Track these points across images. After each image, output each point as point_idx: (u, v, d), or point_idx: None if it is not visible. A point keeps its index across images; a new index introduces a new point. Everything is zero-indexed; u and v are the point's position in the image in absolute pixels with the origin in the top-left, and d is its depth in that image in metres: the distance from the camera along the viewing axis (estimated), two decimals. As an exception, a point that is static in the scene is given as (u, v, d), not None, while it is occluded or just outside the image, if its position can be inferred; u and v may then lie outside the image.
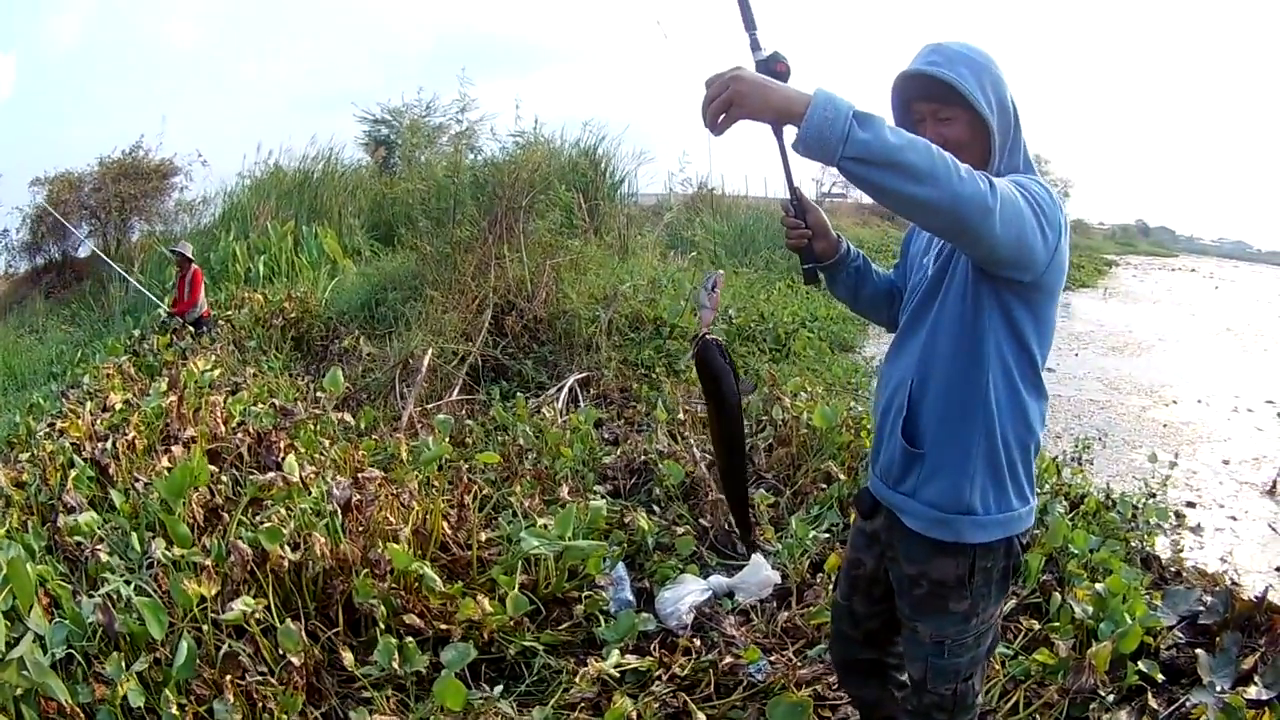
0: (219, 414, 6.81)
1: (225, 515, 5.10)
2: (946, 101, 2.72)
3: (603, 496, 6.38)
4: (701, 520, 6.22)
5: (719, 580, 5.44)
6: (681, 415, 8.10)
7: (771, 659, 4.61)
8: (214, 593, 4.09)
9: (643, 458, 7.18)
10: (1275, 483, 9.39)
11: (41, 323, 19.67)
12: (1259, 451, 10.81)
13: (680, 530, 5.99)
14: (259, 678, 3.84)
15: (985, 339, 2.74)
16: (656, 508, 6.52)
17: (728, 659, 4.47)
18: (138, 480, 5.59)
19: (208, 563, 4.28)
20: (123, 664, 3.66)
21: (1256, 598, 4.93)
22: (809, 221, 3.24)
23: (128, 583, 4.38)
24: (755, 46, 2.73)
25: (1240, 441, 11.25)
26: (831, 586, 4.98)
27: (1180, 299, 32.84)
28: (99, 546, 4.73)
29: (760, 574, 5.41)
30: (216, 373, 8.73)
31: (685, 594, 5.14)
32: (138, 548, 4.80)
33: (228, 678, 3.74)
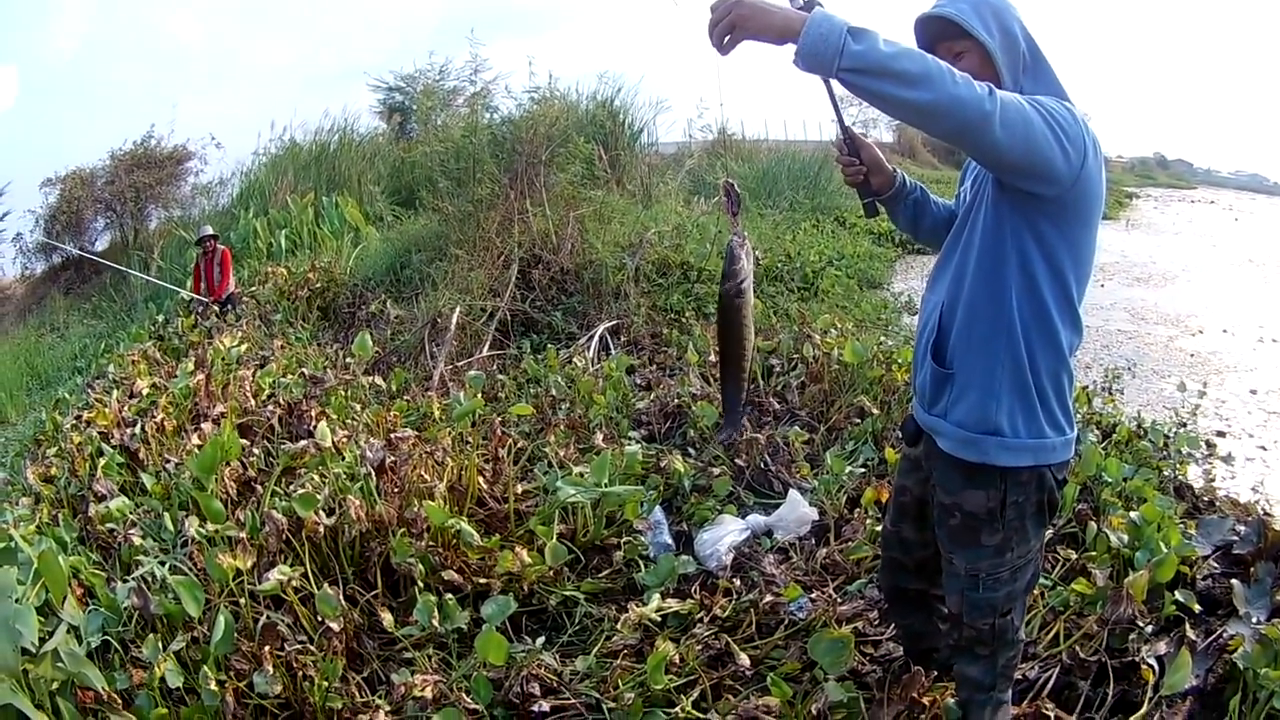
0: (248, 388, 6.83)
1: (258, 487, 5.13)
2: (956, 37, 2.82)
3: (637, 442, 6.42)
4: (737, 460, 6.19)
5: (757, 519, 5.43)
6: (713, 357, 8.01)
7: (812, 596, 4.62)
8: (250, 565, 4.10)
9: (675, 401, 7.19)
10: None
11: (63, 319, 19.75)
12: None
13: (716, 471, 5.97)
14: (298, 646, 3.84)
15: (1008, 259, 2.80)
16: (692, 450, 6.55)
17: (768, 598, 4.48)
18: (168, 461, 5.58)
19: (242, 536, 4.27)
20: (159, 645, 3.66)
21: None
22: (863, 158, 3.38)
23: (162, 563, 4.41)
24: None
25: (1267, 371, 11.26)
26: (869, 521, 5.22)
27: (1201, 230, 32.57)
28: (131, 531, 4.72)
29: (797, 510, 5.41)
30: (244, 348, 8.72)
31: (724, 534, 5.14)
32: (171, 528, 4.82)
33: (266, 649, 3.74)
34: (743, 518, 5.44)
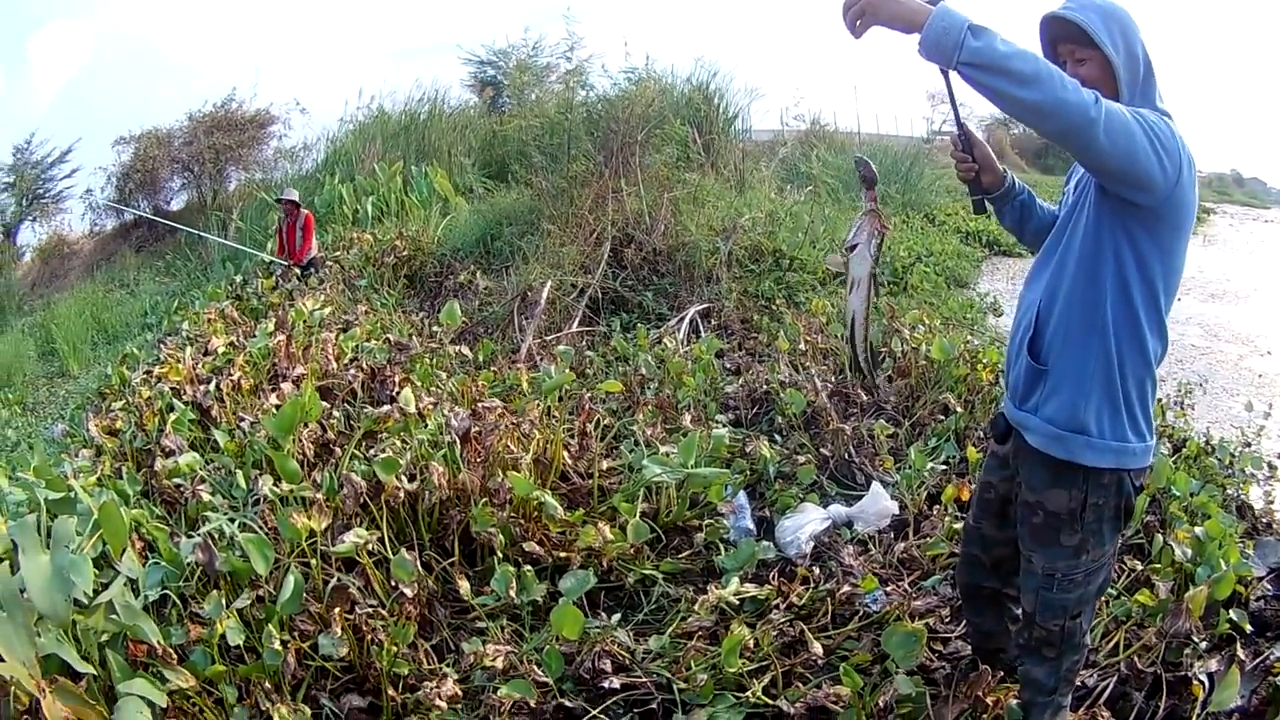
0: (330, 351, 6.82)
1: (338, 450, 5.17)
2: (1081, 44, 2.90)
3: (725, 425, 6.46)
4: (822, 450, 6.23)
5: (838, 509, 5.47)
6: (803, 345, 8.09)
7: (887, 589, 4.67)
8: (324, 527, 4.05)
9: (764, 387, 7.20)
10: None
11: (134, 276, 19.86)
12: None
13: (801, 459, 6.01)
14: (369, 610, 3.84)
15: (1106, 262, 2.88)
16: (778, 437, 6.58)
17: (845, 588, 4.54)
18: (243, 420, 5.56)
19: (319, 497, 4.22)
20: (223, 602, 3.59)
21: None
22: (975, 155, 3.44)
23: (231, 520, 4.35)
24: None
25: None
26: (948, 519, 5.22)
27: (1275, 250, 32.45)
28: (200, 487, 4.67)
29: (879, 504, 5.44)
30: (327, 311, 8.70)
31: (805, 523, 5.19)
32: (243, 485, 4.82)
33: (336, 610, 3.76)
34: (825, 507, 5.48)
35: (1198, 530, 4.80)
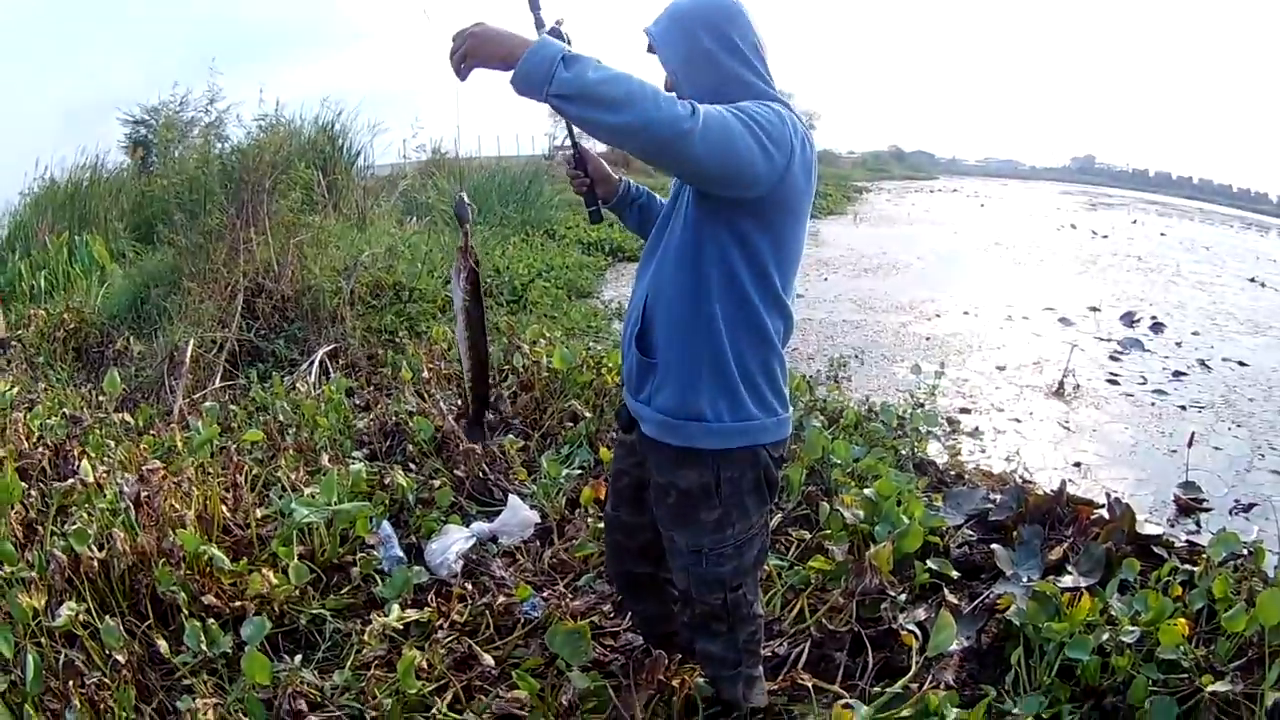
0: (21, 431, 6.94)
1: (40, 528, 5.23)
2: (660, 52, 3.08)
3: (361, 460, 6.73)
4: (456, 471, 6.60)
5: (481, 526, 5.82)
6: (426, 374, 8.55)
7: (544, 595, 5.00)
8: (44, 603, 4.28)
9: (394, 419, 7.53)
10: (1062, 383, 10.52)
11: None
12: (1040, 356, 12.06)
13: (438, 483, 6.33)
14: (95, 681, 3.94)
15: (706, 253, 3.00)
16: (413, 465, 6.90)
17: (501, 599, 4.83)
18: None
19: (34, 575, 4.46)
20: None
21: (1054, 491, 5.52)
22: (589, 170, 3.76)
23: None
24: (539, 25, 3.14)
25: (1017, 348, 12.55)
26: (590, 519, 5.65)
27: (940, 218, 34.20)
28: None
29: (519, 514, 5.86)
30: (15, 391, 8.70)
31: (451, 543, 5.50)
32: None
33: (71, 684, 3.89)
34: (468, 525, 5.83)
35: (867, 492, 5.19)
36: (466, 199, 3.69)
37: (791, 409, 3.34)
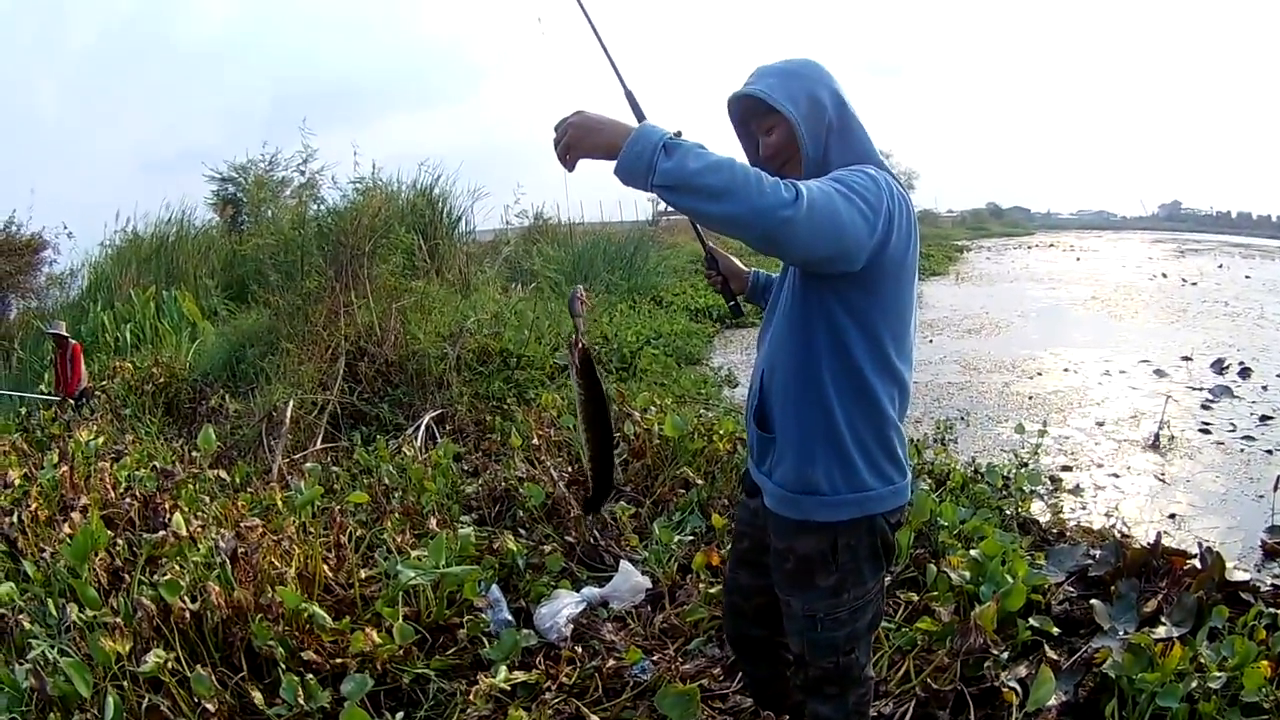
0: (108, 480, 6.92)
1: (126, 576, 5.20)
2: (765, 113, 3.01)
3: (470, 525, 6.47)
4: (567, 537, 6.39)
5: (591, 591, 5.63)
6: (536, 440, 8.28)
7: (654, 659, 4.81)
8: (128, 649, 4.17)
9: (503, 485, 7.32)
10: (1157, 435, 10.19)
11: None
12: (1136, 409, 11.71)
13: (548, 549, 6.12)
14: None
15: (815, 324, 2.91)
16: (523, 530, 6.66)
17: (610, 662, 4.67)
18: (44, 550, 5.73)
19: (118, 621, 4.33)
20: None
21: (1149, 544, 5.37)
22: (720, 268, 3.81)
23: (52, 646, 4.47)
24: (639, 117, 3.07)
25: (1115, 403, 12.14)
26: (702, 585, 5.43)
27: (1039, 274, 33.77)
28: (20, 616, 4.74)
29: (630, 580, 5.67)
30: (100, 441, 8.77)
31: (561, 607, 5.31)
32: (54, 613, 4.83)
33: None
34: (578, 591, 5.64)
35: (973, 553, 5.14)
36: (581, 292, 3.53)
37: (910, 474, 3.25)
